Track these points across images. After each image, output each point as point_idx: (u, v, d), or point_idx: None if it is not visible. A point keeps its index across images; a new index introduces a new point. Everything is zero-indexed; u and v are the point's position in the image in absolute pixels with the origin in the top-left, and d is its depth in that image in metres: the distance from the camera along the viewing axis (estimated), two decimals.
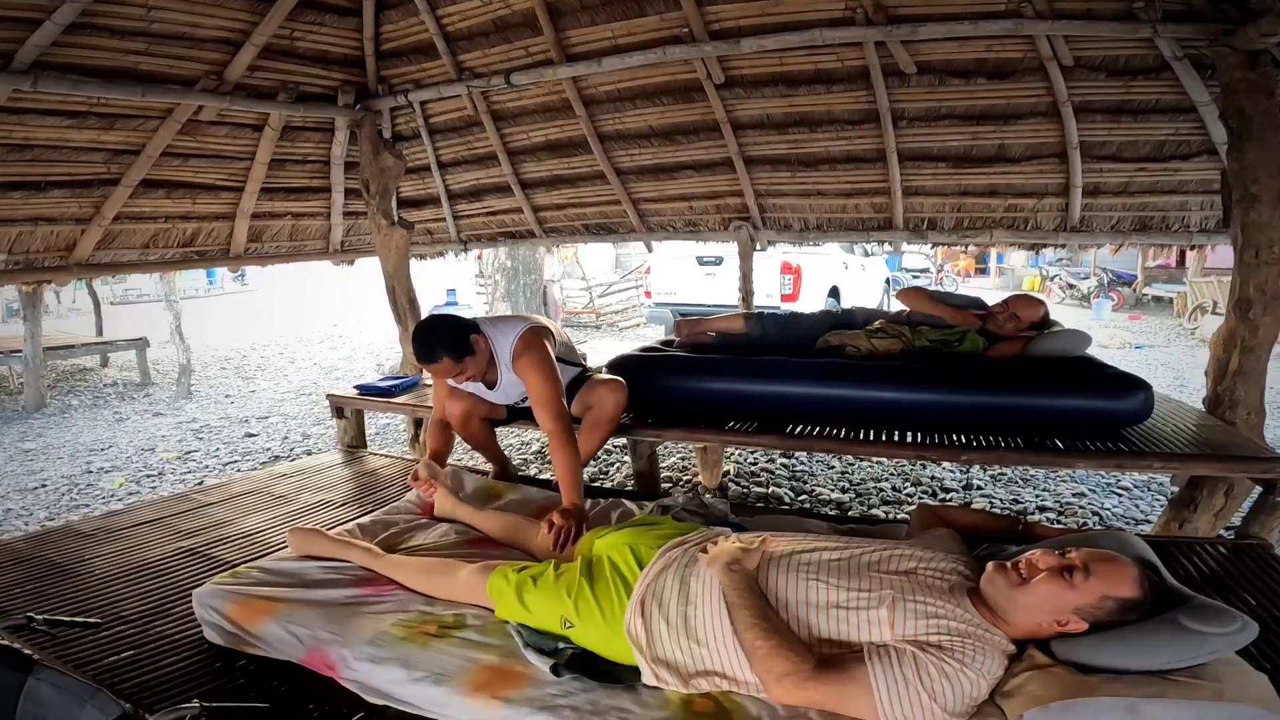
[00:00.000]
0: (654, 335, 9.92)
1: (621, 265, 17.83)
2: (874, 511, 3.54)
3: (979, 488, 3.80)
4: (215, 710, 1.38)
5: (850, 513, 3.48)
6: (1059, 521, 3.37)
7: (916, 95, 3.51)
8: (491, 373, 2.35)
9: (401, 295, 4.38)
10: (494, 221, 5.12)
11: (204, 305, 15.57)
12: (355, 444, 3.59)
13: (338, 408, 3.58)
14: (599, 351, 5.03)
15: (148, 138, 3.60)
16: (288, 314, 13.81)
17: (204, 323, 11.56)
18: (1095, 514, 3.43)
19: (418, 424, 3.81)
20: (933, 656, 1.22)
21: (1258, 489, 2.49)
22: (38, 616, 1.51)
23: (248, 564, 1.95)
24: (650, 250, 5.58)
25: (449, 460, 2.60)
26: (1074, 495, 3.66)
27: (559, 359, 2.37)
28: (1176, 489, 2.82)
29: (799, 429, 2.70)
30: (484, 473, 2.82)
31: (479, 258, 10.17)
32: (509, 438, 4.88)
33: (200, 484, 4.19)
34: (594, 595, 1.54)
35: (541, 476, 3.86)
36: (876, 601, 1.32)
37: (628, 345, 8.57)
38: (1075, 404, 2.50)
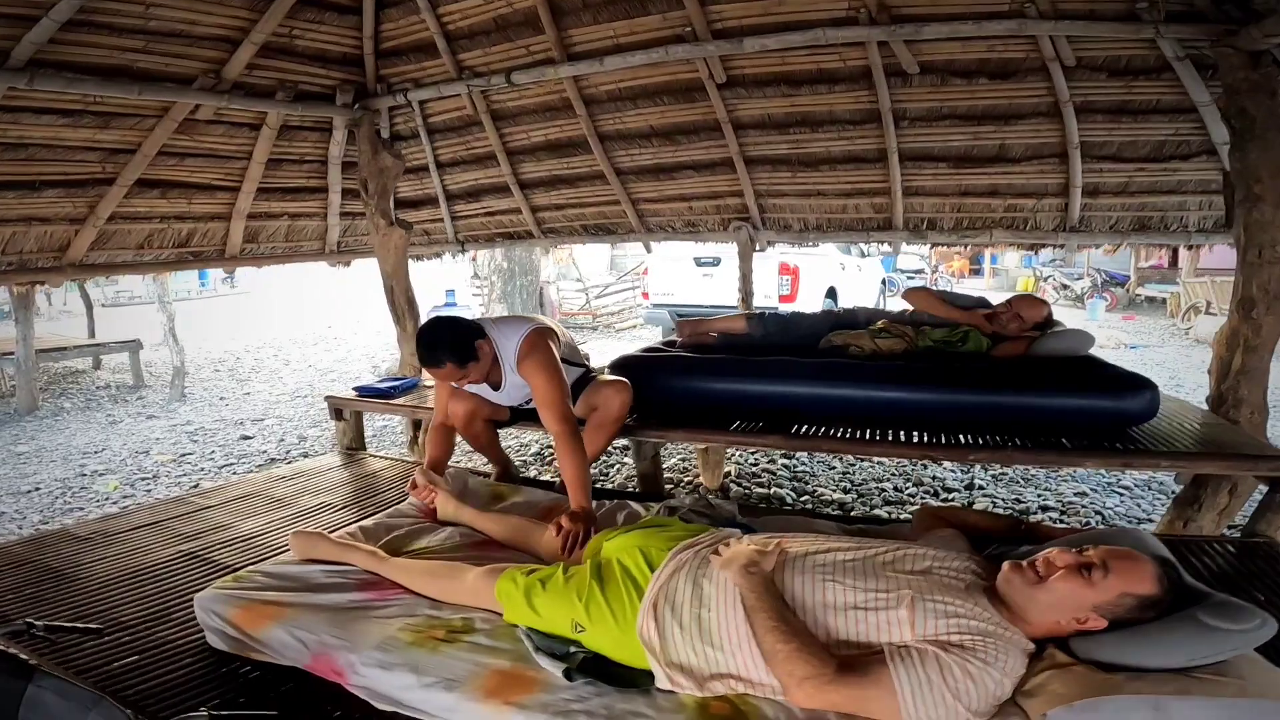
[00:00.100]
0: (651, 336, 9.90)
1: (617, 267, 17.83)
2: (877, 512, 3.53)
3: (981, 488, 3.80)
4: (223, 718, 1.35)
5: (853, 513, 3.47)
6: (1061, 521, 3.37)
7: (918, 95, 3.51)
8: (496, 374, 2.32)
9: (400, 296, 4.35)
10: (492, 222, 5.10)
11: (196, 307, 15.46)
12: (354, 446, 3.56)
13: (336, 409, 3.55)
14: (597, 352, 5.01)
15: (144, 137, 3.56)
16: (281, 316, 13.73)
17: (197, 325, 11.48)
18: (1098, 513, 3.44)
19: (417, 426, 3.78)
20: (955, 656, 1.21)
21: (1262, 487, 2.50)
22: (37, 622, 1.47)
23: (250, 568, 1.92)
24: (649, 251, 5.57)
25: (449, 463, 2.57)
26: (1075, 495, 3.66)
27: (563, 360, 2.35)
28: (1180, 488, 2.82)
29: (804, 429, 2.68)
30: (486, 474, 2.80)
31: (473, 259, 10.13)
32: (507, 439, 4.85)
33: (196, 487, 4.15)
34: (605, 598, 1.52)
35: (542, 478, 3.85)
36: (895, 602, 1.31)
37: (625, 346, 8.59)
38: (1082, 403, 2.50)
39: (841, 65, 3.50)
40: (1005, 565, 1.35)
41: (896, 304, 9.80)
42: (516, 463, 3.75)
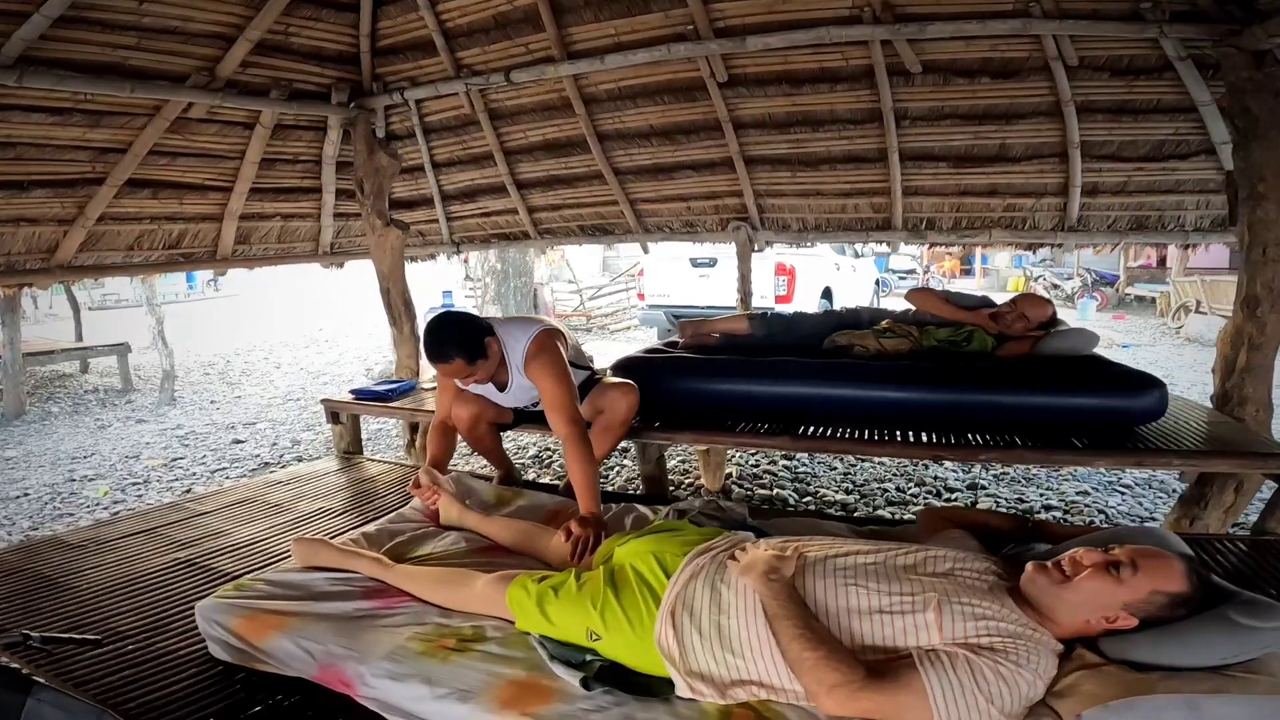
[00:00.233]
0: (646, 338, 9.87)
1: (609, 268, 17.81)
2: (880, 513, 3.52)
3: (983, 487, 3.79)
4: None
5: (856, 514, 3.46)
6: (1065, 519, 3.36)
7: (920, 94, 3.50)
8: (502, 374, 2.28)
9: (396, 298, 4.30)
10: (487, 223, 5.06)
11: (184, 310, 15.28)
12: (351, 450, 3.51)
13: (333, 413, 3.49)
14: (592, 354, 4.98)
15: (135, 135, 3.49)
16: (270, 318, 13.60)
17: (185, 327, 11.32)
18: (1100, 512, 3.43)
19: (414, 429, 3.74)
20: (987, 659, 1.19)
21: (1267, 485, 2.50)
22: (34, 634, 1.42)
23: (250, 576, 1.87)
24: (646, 251, 5.54)
25: (449, 465, 2.53)
26: (1078, 494, 3.66)
27: (569, 363, 2.31)
28: (1186, 485, 2.82)
29: (810, 430, 2.66)
30: (487, 477, 2.76)
31: (465, 261, 10.07)
32: (504, 441, 4.80)
33: (188, 492, 4.08)
34: (621, 605, 1.48)
35: (541, 480, 3.81)
36: (921, 605, 1.28)
37: (620, 348, 8.56)
38: (1090, 402, 2.49)
39: (844, 64, 3.49)
40: (1030, 566, 1.33)
41: (889, 304, 9.87)
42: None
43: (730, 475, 4.02)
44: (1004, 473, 3.98)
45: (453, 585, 1.74)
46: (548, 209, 4.78)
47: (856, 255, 10.21)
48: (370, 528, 2.13)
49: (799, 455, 4.30)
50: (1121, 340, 9.17)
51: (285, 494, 2.81)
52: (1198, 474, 2.57)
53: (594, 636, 1.48)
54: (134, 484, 4.27)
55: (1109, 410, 2.48)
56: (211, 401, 6.67)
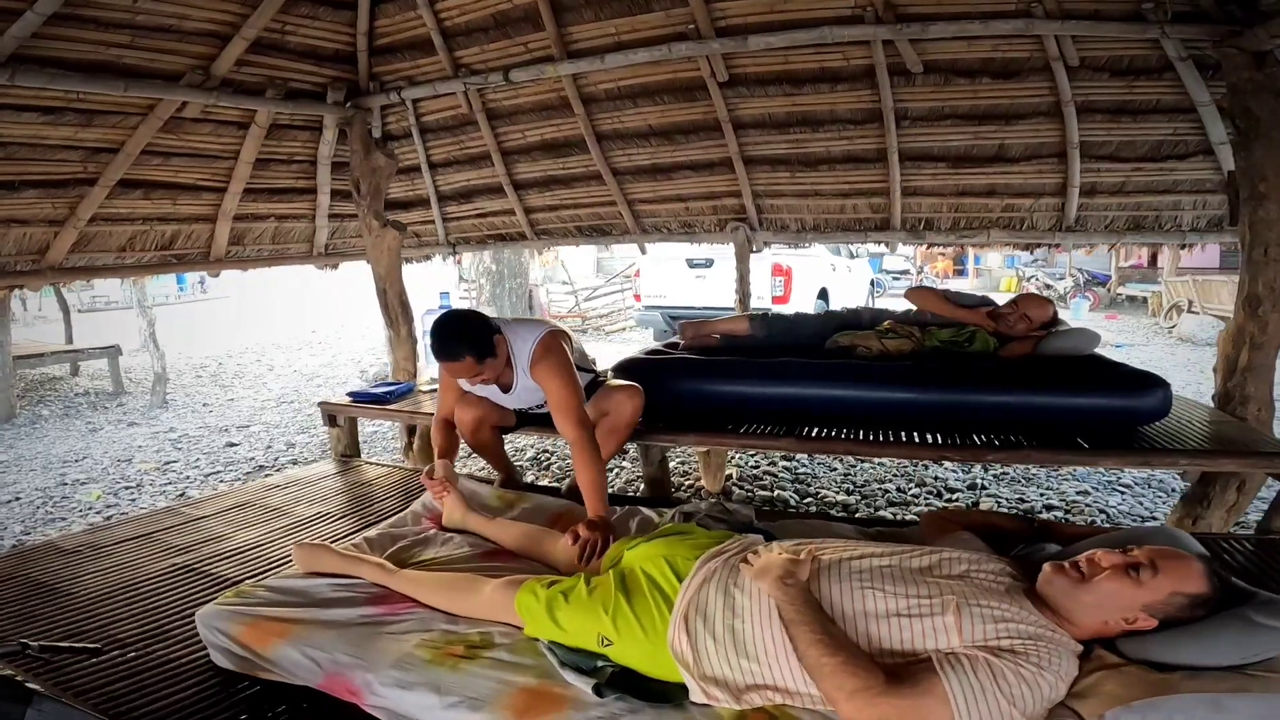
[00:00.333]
0: (642, 338, 9.85)
1: (603, 269, 17.78)
2: (882, 513, 3.51)
3: (984, 487, 3.79)
4: None
5: (857, 514, 3.45)
6: (1066, 519, 3.36)
7: (921, 94, 3.50)
8: (506, 376, 2.25)
9: (393, 299, 4.26)
10: (484, 224, 5.03)
11: (175, 312, 15.15)
12: (349, 453, 3.47)
13: (330, 416, 3.45)
14: (591, 356, 4.95)
15: (127, 135, 3.44)
16: (262, 320, 13.50)
17: (176, 330, 11.23)
18: (1101, 511, 3.44)
19: (411, 432, 3.70)
20: (1008, 662, 1.17)
21: (1270, 484, 2.50)
22: (33, 643, 1.39)
23: (251, 582, 1.84)
24: (644, 252, 5.52)
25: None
26: (1078, 493, 3.67)
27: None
28: (1187, 485, 2.83)
29: (814, 431, 2.65)
30: (488, 480, 2.73)
31: (458, 262, 10.01)
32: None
33: (182, 495, 4.04)
34: (633, 610, 1.46)
35: (540, 483, 3.78)
36: (940, 608, 1.27)
37: (616, 349, 8.53)
38: (1095, 402, 2.49)
39: (845, 64, 3.48)
40: (1048, 566, 1.32)
41: (884, 304, 9.89)
42: None
43: (730, 476, 4.00)
44: (1004, 473, 3.98)
45: (459, 591, 1.71)
46: (545, 209, 4.76)
47: (852, 256, 10.23)
48: (371, 532, 2.11)
49: (799, 456, 4.29)
50: (1115, 340, 9.23)
51: (283, 498, 2.78)
52: (1200, 473, 2.57)
53: (605, 642, 1.46)
54: (127, 488, 4.22)
55: (1114, 410, 2.48)
56: (204, 404, 6.61)
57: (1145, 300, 12.39)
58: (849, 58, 3.44)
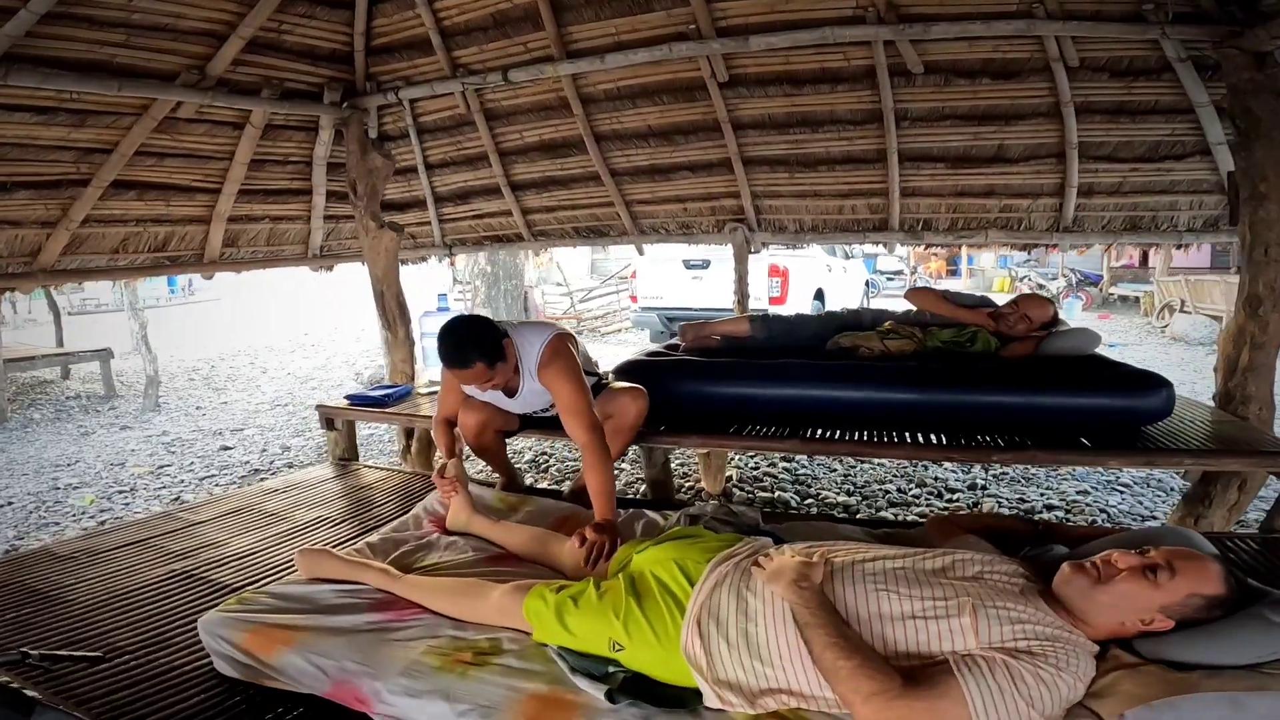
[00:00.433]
0: (639, 339, 9.84)
1: (598, 270, 17.77)
2: (883, 514, 3.51)
3: (984, 487, 3.79)
4: None
5: (858, 515, 3.44)
6: (1067, 519, 3.37)
7: (921, 95, 3.49)
8: (513, 380, 2.23)
9: (391, 300, 4.22)
10: (480, 225, 5.00)
11: (166, 315, 15.02)
12: (347, 456, 3.44)
13: (328, 419, 3.42)
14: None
15: (121, 135, 3.40)
16: (254, 322, 13.41)
17: (167, 332, 11.13)
18: (1102, 511, 3.45)
19: (409, 435, 3.67)
20: (1026, 664, 1.17)
21: (1270, 483, 2.51)
22: (33, 651, 1.36)
23: (254, 588, 1.82)
24: (641, 253, 5.50)
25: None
26: (1078, 493, 3.67)
27: None
28: (1187, 484, 2.83)
29: (817, 432, 2.64)
30: (489, 483, 2.71)
31: (451, 264, 9.96)
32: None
33: (177, 500, 4.00)
34: (644, 615, 1.45)
35: (540, 486, 3.76)
36: (956, 609, 1.26)
37: (612, 350, 8.51)
38: (1098, 402, 2.49)
39: (846, 64, 3.47)
40: (1066, 566, 1.32)
41: (878, 305, 9.90)
42: None
43: (730, 478, 3.99)
44: (1003, 473, 3.98)
45: (466, 596, 1.69)
46: (542, 210, 4.73)
47: (847, 256, 10.25)
48: (374, 537, 2.08)
49: (798, 457, 4.28)
50: (1109, 340, 9.28)
51: (281, 502, 2.74)
52: (1201, 473, 2.57)
53: (616, 647, 1.44)
54: (120, 492, 4.17)
55: (1117, 410, 2.48)
56: (197, 408, 6.55)
57: (1137, 300, 12.48)
58: (850, 58, 3.43)
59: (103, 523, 3.63)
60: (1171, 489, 3.71)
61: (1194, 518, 2.62)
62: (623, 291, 11.29)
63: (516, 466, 4.42)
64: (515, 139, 4.36)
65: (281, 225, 4.61)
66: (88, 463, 4.77)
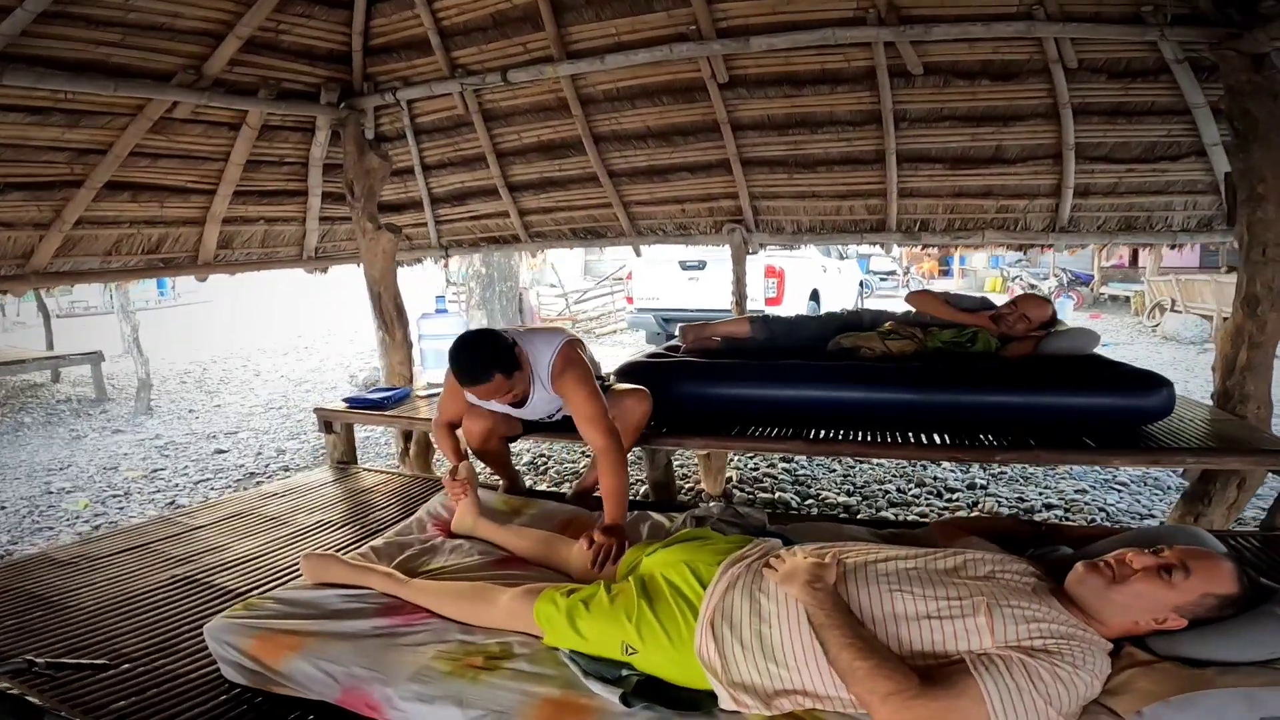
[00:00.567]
0: (635, 341, 9.83)
1: (591, 272, 17.75)
2: (884, 514, 3.51)
3: (983, 487, 3.81)
4: None
5: (859, 515, 3.45)
6: (1066, 518, 3.39)
7: (920, 96, 3.51)
8: (525, 389, 2.21)
9: (388, 302, 4.19)
10: (477, 226, 4.98)
11: (156, 317, 14.89)
12: (346, 460, 3.41)
13: (326, 422, 3.39)
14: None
15: (116, 136, 3.36)
16: (246, 325, 13.31)
17: (158, 335, 11.04)
18: (1101, 510, 3.46)
19: (407, 437, 3.65)
20: (1043, 662, 1.17)
21: (1269, 482, 2.53)
22: (38, 659, 1.34)
23: (259, 594, 1.80)
24: (638, 254, 5.50)
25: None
26: (1076, 492, 3.69)
27: None
28: (1185, 483, 2.85)
29: (819, 433, 2.64)
30: (491, 486, 2.69)
31: (445, 266, 9.91)
32: None
33: (172, 504, 3.96)
34: (657, 618, 1.44)
35: (539, 488, 3.74)
36: (971, 609, 1.27)
37: (608, 351, 8.49)
38: (1099, 402, 2.50)
39: (846, 65, 3.48)
40: (1080, 565, 1.33)
41: (872, 305, 9.93)
42: None
43: (730, 479, 3.99)
44: (1002, 472, 4.00)
45: (474, 600, 1.68)
46: (539, 212, 4.72)
47: (841, 257, 10.27)
48: (378, 541, 2.07)
49: (798, 457, 4.29)
50: (1101, 339, 9.34)
51: (281, 506, 2.72)
52: (1200, 471, 2.59)
53: (629, 650, 1.43)
54: (114, 496, 4.13)
55: (1119, 410, 2.49)
56: (190, 410, 6.50)
57: (1128, 299, 12.56)
58: (850, 59, 3.44)
59: (97, 527, 3.59)
60: (1169, 487, 3.73)
61: (1194, 516, 2.63)
62: (617, 293, 11.28)
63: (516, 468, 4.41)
64: (513, 140, 4.35)
65: (276, 227, 4.58)
66: (80, 467, 4.72)
